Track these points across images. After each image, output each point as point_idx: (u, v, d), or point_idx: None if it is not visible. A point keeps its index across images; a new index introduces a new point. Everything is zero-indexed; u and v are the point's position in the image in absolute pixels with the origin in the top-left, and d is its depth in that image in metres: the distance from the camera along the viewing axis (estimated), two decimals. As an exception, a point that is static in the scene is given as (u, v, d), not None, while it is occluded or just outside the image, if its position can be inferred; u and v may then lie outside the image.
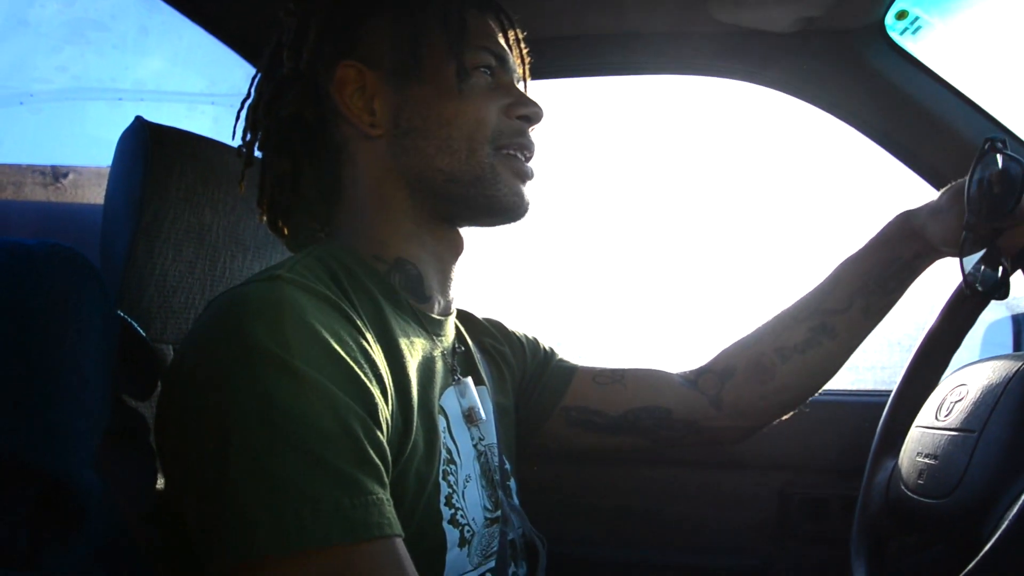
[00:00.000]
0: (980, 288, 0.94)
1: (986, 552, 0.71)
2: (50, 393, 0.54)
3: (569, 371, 1.19)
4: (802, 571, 1.44)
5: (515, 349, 1.18)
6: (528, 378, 1.17)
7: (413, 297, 0.92)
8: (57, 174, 1.30)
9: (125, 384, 0.74)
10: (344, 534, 0.60)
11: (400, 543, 0.65)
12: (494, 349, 1.15)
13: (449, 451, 0.86)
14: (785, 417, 1.17)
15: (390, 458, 0.70)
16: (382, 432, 0.69)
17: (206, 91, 1.30)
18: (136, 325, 0.79)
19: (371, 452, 0.66)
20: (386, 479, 0.67)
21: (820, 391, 1.15)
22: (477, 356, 1.07)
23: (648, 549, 1.50)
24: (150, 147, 1.01)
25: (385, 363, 0.77)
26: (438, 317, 0.95)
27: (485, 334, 1.17)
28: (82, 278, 0.64)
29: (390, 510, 0.64)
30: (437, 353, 0.92)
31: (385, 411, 0.72)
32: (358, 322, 0.75)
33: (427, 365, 0.88)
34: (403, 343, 0.84)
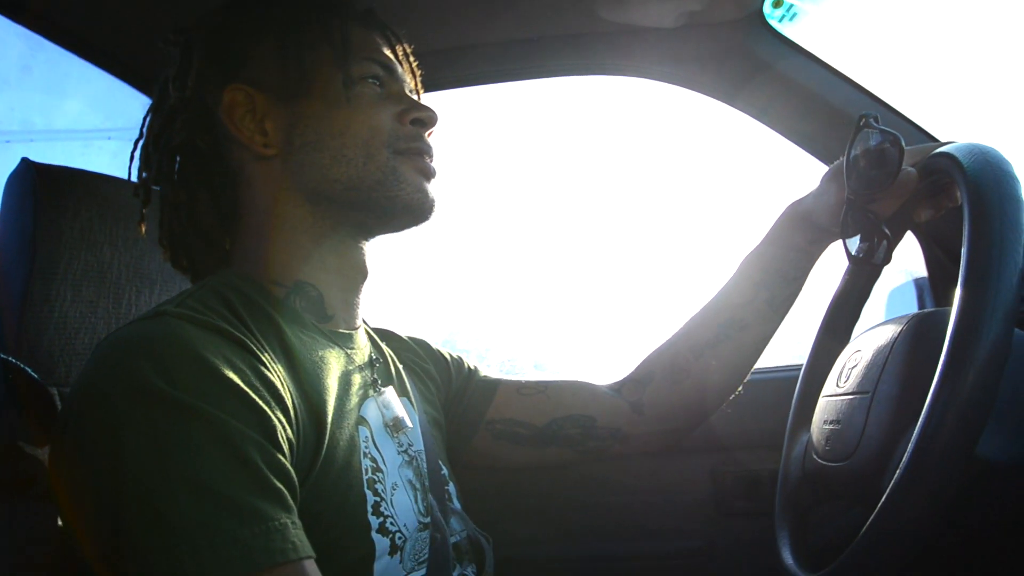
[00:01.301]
0: (863, 258, 0.99)
1: (880, 507, 0.75)
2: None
3: (492, 384, 1.20)
4: (741, 547, 1.47)
5: (439, 366, 1.19)
6: (453, 394, 1.18)
7: (315, 318, 0.91)
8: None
9: (21, 431, 0.72)
10: (245, 565, 0.59)
11: (310, 565, 0.65)
12: (417, 366, 1.16)
13: (374, 459, 0.86)
14: (708, 417, 1.20)
15: (296, 479, 0.69)
16: (284, 455, 0.69)
17: (101, 126, 1.27)
18: (28, 369, 0.77)
19: (271, 477, 0.65)
20: (291, 502, 0.66)
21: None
22: (400, 368, 1.07)
23: (595, 541, 1.51)
24: (37, 189, 0.99)
25: (289, 381, 0.77)
26: (345, 331, 0.95)
27: (408, 351, 1.17)
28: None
29: (296, 533, 0.64)
30: (352, 367, 0.92)
31: (287, 432, 0.71)
32: (253, 346, 0.74)
33: (343, 379, 0.88)
34: (311, 360, 0.84)
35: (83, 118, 1.25)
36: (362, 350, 0.97)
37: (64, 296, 0.99)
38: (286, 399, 0.73)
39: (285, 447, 0.69)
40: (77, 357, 1.01)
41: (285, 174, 0.91)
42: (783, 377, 1.55)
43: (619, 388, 1.21)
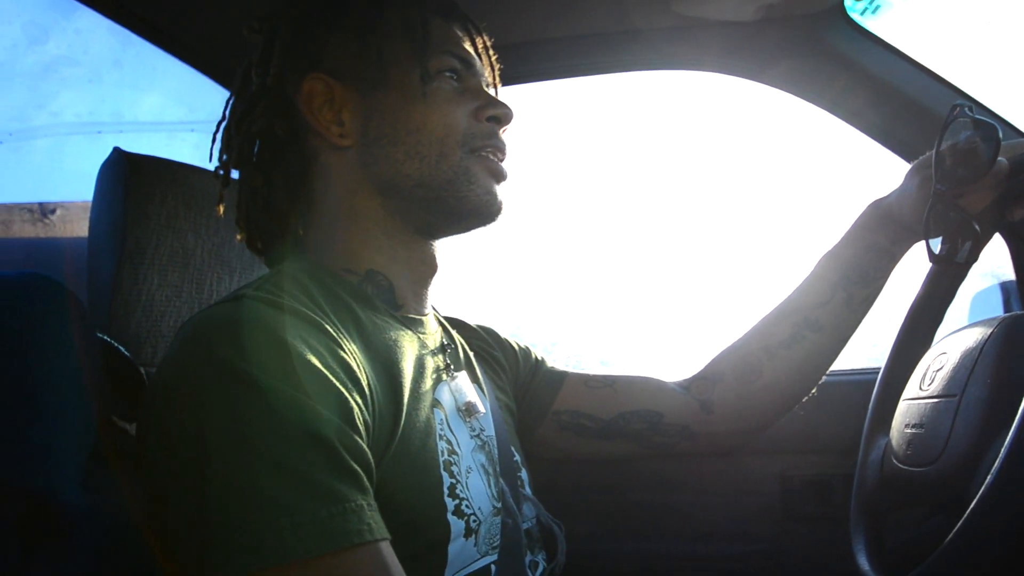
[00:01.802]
0: (947, 257, 0.95)
1: (969, 513, 0.72)
2: (31, 414, 0.56)
3: (559, 376, 1.20)
4: (809, 552, 1.43)
5: (508, 355, 1.19)
6: (521, 384, 1.18)
7: (386, 305, 0.92)
8: (44, 210, 1.32)
9: (114, 406, 0.76)
10: (324, 545, 0.60)
11: (385, 547, 0.66)
12: (487, 354, 1.16)
13: (449, 442, 0.86)
14: (779, 418, 1.17)
15: (372, 461, 0.70)
16: (361, 437, 0.70)
17: (185, 119, 1.32)
18: (121, 347, 0.80)
19: (348, 459, 0.66)
20: (367, 484, 0.67)
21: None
22: (471, 356, 1.08)
23: (659, 540, 1.50)
24: (128, 177, 1.03)
25: (366, 364, 0.78)
26: (417, 316, 0.96)
27: (477, 339, 1.18)
28: (59, 303, 0.65)
29: (371, 515, 0.65)
30: (426, 351, 0.93)
31: (365, 414, 0.72)
32: (330, 329, 0.75)
33: (417, 362, 0.89)
34: (385, 342, 0.85)
35: (168, 111, 1.30)
36: (433, 335, 0.98)
37: (151, 280, 1.03)
38: (362, 381, 0.74)
39: (362, 428, 0.70)
40: (162, 339, 1.05)
41: (359, 165, 0.92)
42: (856, 380, 1.51)
43: (688, 385, 1.20)
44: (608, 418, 1.17)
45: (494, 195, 0.94)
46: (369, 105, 0.92)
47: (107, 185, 1.05)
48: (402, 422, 0.79)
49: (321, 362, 0.70)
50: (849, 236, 1.11)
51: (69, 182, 1.29)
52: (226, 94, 1.02)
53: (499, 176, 0.95)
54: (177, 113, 1.31)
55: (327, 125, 0.92)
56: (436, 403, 0.89)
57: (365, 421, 0.72)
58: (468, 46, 0.99)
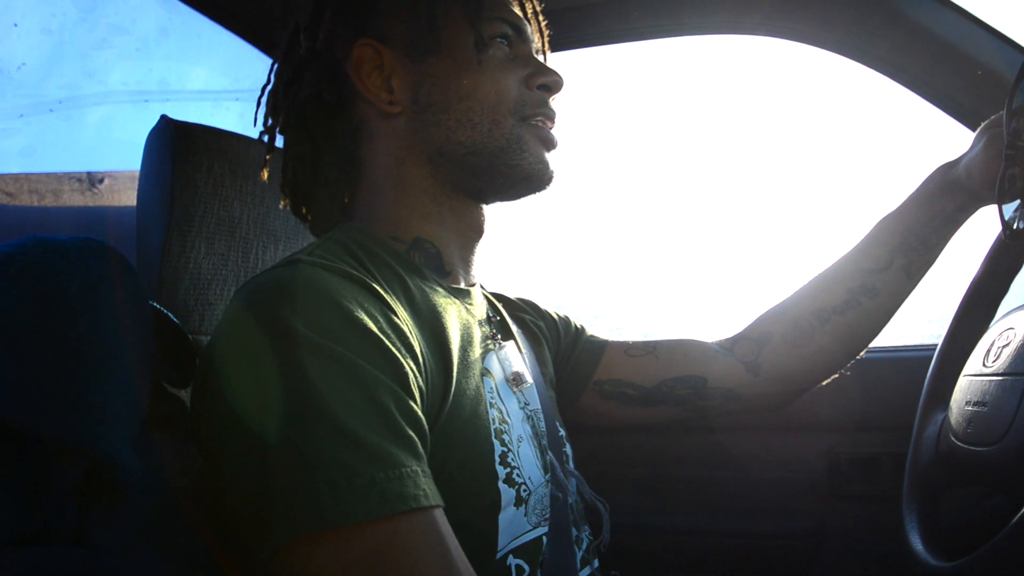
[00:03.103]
0: (1021, 228, 0.91)
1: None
2: (88, 377, 0.56)
3: (600, 345, 1.19)
4: (855, 531, 1.41)
5: (549, 325, 1.18)
6: (562, 354, 1.18)
7: (433, 273, 0.92)
8: (93, 180, 1.34)
9: (164, 372, 0.76)
10: (381, 508, 0.60)
11: (439, 514, 0.65)
12: (531, 323, 1.16)
13: (500, 411, 0.86)
14: (826, 381, 1.15)
15: (427, 427, 0.70)
16: (416, 402, 0.69)
17: (229, 88, 1.32)
18: (172, 316, 0.80)
19: (404, 424, 0.66)
20: (422, 450, 0.67)
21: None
22: (514, 328, 1.07)
23: (702, 515, 1.49)
24: (176, 145, 1.03)
25: (416, 330, 0.77)
26: (464, 287, 0.95)
27: (520, 310, 1.17)
28: (113, 268, 0.66)
29: (426, 481, 0.65)
30: (472, 320, 0.92)
31: (419, 380, 0.72)
32: (384, 295, 0.75)
33: (464, 330, 0.88)
34: (434, 309, 0.84)
35: (213, 80, 1.30)
36: (479, 306, 0.98)
37: (199, 248, 1.04)
38: (415, 347, 0.74)
39: (416, 395, 0.70)
40: (209, 307, 1.06)
41: (408, 132, 0.91)
42: (908, 357, 1.47)
43: (731, 346, 1.17)
44: (651, 385, 1.15)
45: (546, 163, 0.92)
46: (420, 71, 0.90)
47: (155, 153, 1.05)
48: (453, 389, 0.78)
49: (376, 327, 0.69)
50: (913, 201, 1.07)
51: (116, 151, 1.31)
52: (268, 63, 1.01)
53: (550, 144, 0.93)
54: (222, 82, 1.31)
55: (376, 92, 0.91)
56: (486, 371, 0.88)
57: (419, 387, 0.72)
58: (518, 10, 0.97)
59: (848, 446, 1.43)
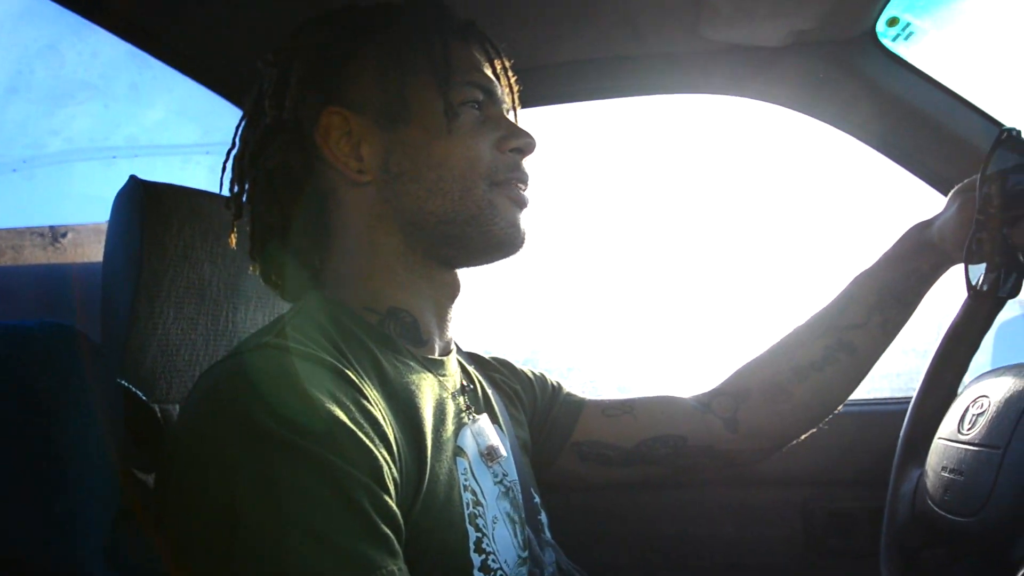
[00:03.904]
0: (988, 290, 0.92)
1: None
2: (57, 481, 0.53)
3: (577, 405, 1.17)
4: (832, 587, 1.41)
5: (524, 386, 1.17)
6: (538, 415, 1.16)
7: (410, 343, 0.90)
8: (56, 234, 1.30)
9: (132, 457, 0.73)
10: None
11: None
12: (506, 385, 1.14)
13: (474, 492, 0.84)
14: (804, 436, 1.15)
15: (402, 521, 0.68)
16: (390, 495, 0.67)
17: (200, 141, 1.30)
18: (140, 393, 0.77)
19: (379, 522, 0.64)
20: (397, 547, 0.65)
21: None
22: (490, 392, 1.05)
23: (675, 573, 1.47)
24: (145, 206, 1.00)
25: (389, 415, 0.76)
26: (439, 358, 0.94)
27: (494, 371, 1.15)
28: (83, 356, 0.63)
29: None
30: (447, 394, 0.90)
31: (392, 471, 0.70)
32: (354, 378, 0.73)
33: (438, 407, 0.86)
34: (407, 388, 0.82)
35: (183, 133, 1.27)
36: (453, 376, 0.96)
37: (167, 314, 1.01)
38: (389, 435, 0.72)
39: (391, 487, 0.68)
40: (177, 374, 1.02)
41: (379, 201, 0.89)
42: (880, 411, 1.48)
43: (708, 402, 1.16)
44: (630, 446, 1.14)
45: (518, 226, 0.91)
46: (390, 139, 0.89)
47: (123, 215, 1.02)
48: (427, 476, 0.76)
49: (348, 416, 0.67)
50: (889, 259, 1.09)
51: (81, 206, 1.27)
52: (240, 114, 0.99)
53: (521, 203, 0.92)
54: (192, 135, 1.29)
55: (345, 160, 0.89)
56: (459, 450, 0.86)
57: (393, 478, 0.70)
58: (488, 70, 0.96)
59: (823, 500, 1.43)
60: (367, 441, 0.67)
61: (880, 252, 1.10)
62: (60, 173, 1.12)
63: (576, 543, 1.04)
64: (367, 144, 0.89)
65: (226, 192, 0.98)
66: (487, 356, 1.18)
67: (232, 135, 1.01)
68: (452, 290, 0.94)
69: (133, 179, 1.03)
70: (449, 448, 0.84)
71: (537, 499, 1.01)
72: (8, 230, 1.20)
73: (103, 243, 1.10)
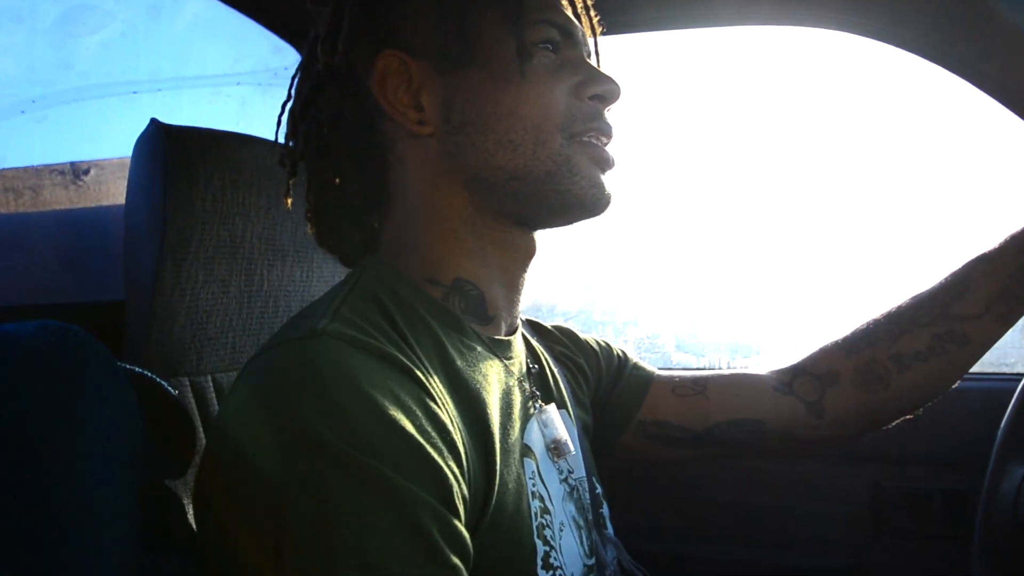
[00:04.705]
0: None
1: None
2: (64, 537, 0.44)
3: (645, 381, 1.07)
4: (897, 569, 1.33)
5: (589, 359, 1.07)
6: (603, 390, 1.06)
7: (475, 320, 0.80)
8: (77, 171, 1.20)
9: (157, 465, 0.65)
10: None
11: None
12: (569, 360, 1.04)
13: (541, 499, 0.76)
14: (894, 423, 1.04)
15: (471, 546, 0.60)
16: (459, 518, 0.60)
17: (230, 71, 1.17)
18: (165, 385, 0.68)
19: (447, 550, 0.56)
20: (465, 573, 0.58)
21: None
22: (554, 369, 0.96)
23: (731, 544, 1.40)
24: (168, 155, 0.89)
25: (457, 417, 0.67)
26: (505, 338, 0.84)
27: (556, 343, 1.06)
28: (91, 370, 0.53)
29: None
30: (512, 381, 0.81)
31: (462, 486, 0.62)
32: (420, 375, 0.64)
33: (504, 399, 0.78)
34: (474, 379, 0.73)
35: (210, 63, 1.15)
36: (519, 357, 0.86)
37: (196, 277, 0.91)
38: (457, 443, 0.64)
39: (460, 507, 0.60)
40: (209, 342, 0.93)
41: (441, 156, 0.78)
42: (967, 388, 1.36)
43: (790, 382, 1.06)
44: (702, 429, 1.05)
45: (601, 186, 0.79)
46: (452, 85, 0.76)
47: (143, 165, 0.91)
48: (496, 487, 0.68)
49: (415, 426, 0.58)
50: (1017, 243, 0.94)
51: (102, 144, 1.16)
52: (276, 41, 0.87)
53: (605, 164, 0.80)
54: (221, 65, 1.16)
55: (404, 110, 0.77)
56: (526, 450, 0.77)
57: (463, 496, 0.61)
58: (567, 7, 0.82)
59: (896, 479, 1.33)
60: (435, 455, 0.59)
61: (1004, 234, 0.95)
62: (75, 112, 1.01)
63: (623, 503, 0.97)
64: (427, 91, 0.77)
65: (264, 130, 0.87)
66: (549, 326, 1.08)
67: (265, 62, 0.89)
68: (525, 255, 0.83)
69: (154, 123, 0.91)
70: (516, 449, 0.76)
71: (599, 489, 0.93)
72: (25, 169, 1.10)
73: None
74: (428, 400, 0.63)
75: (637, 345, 1.50)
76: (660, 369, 1.12)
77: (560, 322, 1.11)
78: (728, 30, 1.25)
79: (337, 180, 0.83)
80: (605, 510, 0.92)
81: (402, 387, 0.61)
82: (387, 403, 0.58)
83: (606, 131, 0.80)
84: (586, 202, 0.79)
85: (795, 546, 1.37)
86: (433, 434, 0.60)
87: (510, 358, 0.83)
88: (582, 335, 1.10)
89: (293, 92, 0.85)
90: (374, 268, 0.79)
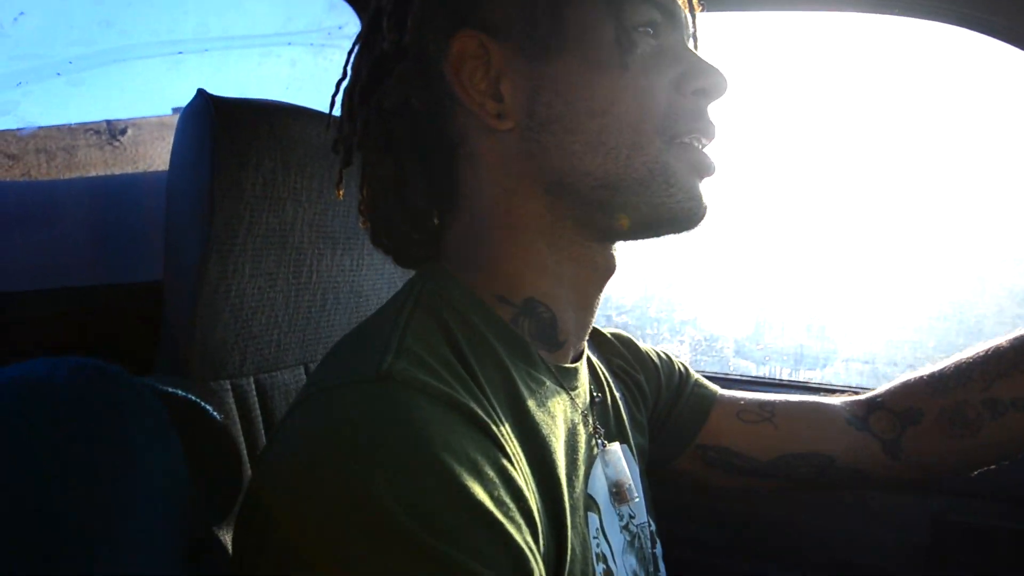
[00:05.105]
0: None
1: None
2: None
3: (707, 401, 1.00)
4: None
5: (649, 374, 0.99)
6: (661, 408, 0.99)
7: (544, 346, 0.72)
8: (114, 131, 1.12)
9: (200, 510, 0.58)
10: None
11: None
12: (627, 376, 0.96)
13: (605, 559, 0.69)
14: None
15: None
16: None
17: (281, 30, 1.07)
18: (211, 410, 0.61)
19: None
20: None
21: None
22: (616, 394, 0.88)
23: (775, 564, 1.34)
24: (217, 132, 0.80)
25: (528, 474, 0.60)
26: (572, 366, 0.76)
27: (615, 354, 0.98)
28: (134, 414, 0.46)
29: None
30: (577, 416, 0.74)
31: (537, 561, 0.55)
32: (494, 428, 0.57)
33: (570, 440, 0.70)
34: (543, 423, 0.66)
35: (259, 21, 1.04)
36: (584, 386, 0.79)
37: (242, 269, 0.83)
38: (533, 511, 0.57)
39: None
40: (253, 341, 0.86)
41: (521, 156, 0.68)
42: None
43: (865, 416, 0.98)
44: (766, 460, 0.98)
45: (699, 199, 0.70)
46: (538, 74, 0.66)
47: (188, 143, 0.82)
48: (567, 554, 0.61)
49: (491, 496, 0.51)
50: None
51: (143, 101, 1.07)
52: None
53: (705, 171, 0.70)
54: (271, 24, 1.06)
55: (481, 99, 0.67)
56: (590, 503, 0.70)
57: (539, 571, 0.54)
58: None
59: (960, 513, 1.25)
60: (512, 530, 0.52)
61: None
62: (115, 74, 0.92)
63: (665, 515, 0.90)
64: (509, 80, 0.67)
65: (316, 101, 0.77)
66: (608, 334, 1.00)
67: (318, 20, 0.80)
68: (603, 274, 0.74)
69: (201, 95, 0.82)
70: (581, 503, 0.69)
71: (654, 526, 0.86)
72: (59, 128, 1.01)
73: (169, 140, 0.91)
74: (504, 460, 0.56)
75: (693, 347, 1.41)
76: (719, 375, 1.05)
77: (614, 316, 1.03)
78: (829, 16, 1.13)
79: (398, 175, 0.74)
80: (659, 549, 0.86)
81: (478, 448, 0.54)
82: (461, 472, 0.50)
83: (708, 133, 0.70)
84: (680, 217, 0.69)
85: (844, 569, 1.30)
86: (509, 503, 0.53)
87: (575, 388, 0.76)
88: (642, 346, 1.02)
89: (350, 70, 0.75)
90: (438, 278, 0.71)
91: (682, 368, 1.04)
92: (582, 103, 0.66)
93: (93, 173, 1.08)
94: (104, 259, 1.00)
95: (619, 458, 0.78)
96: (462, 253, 0.73)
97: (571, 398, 0.74)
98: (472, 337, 0.66)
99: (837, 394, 1.04)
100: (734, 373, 1.39)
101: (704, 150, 0.71)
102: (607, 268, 0.75)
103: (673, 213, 0.69)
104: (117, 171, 1.12)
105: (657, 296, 1.43)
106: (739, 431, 0.98)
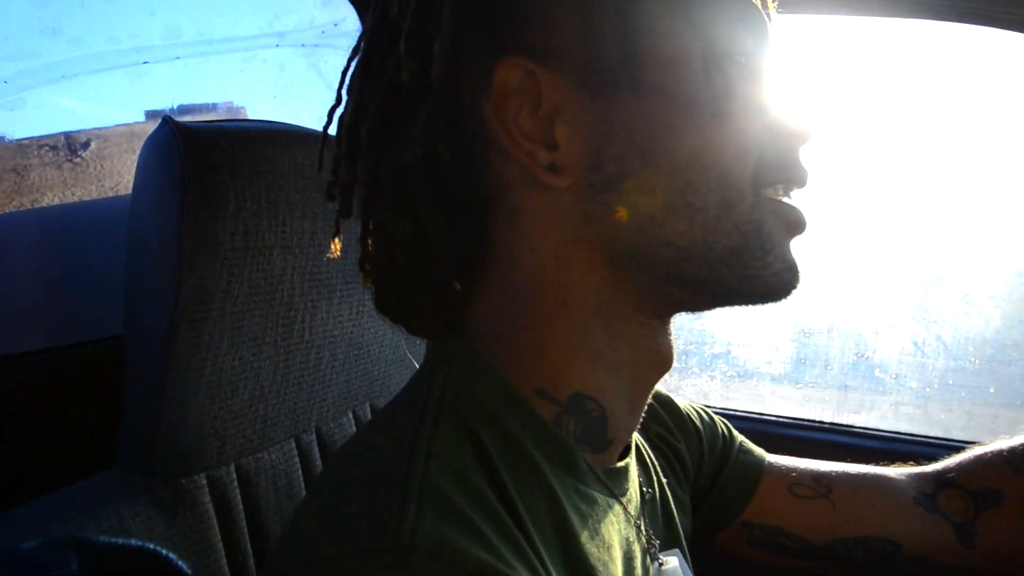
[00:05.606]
0: None
1: None
2: None
3: (755, 472, 0.86)
4: None
5: (690, 442, 0.86)
6: (704, 479, 0.86)
7: (590, 448, 0.58)
8: (73, 145, 0.97)
9: None
10: None
11: None
12: (667, 446, 0.83)
13: None
14: None
15: None
16: None
17: (267, 30, 0.92)
18: (181, 565, 0.47)
19: None
20: None
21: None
22: (664, 481, 0.75)
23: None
24: (185, 172, 0.65)
25: None
26: (620, 465, 0.62)
27: (655, 420, 0.84)
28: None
29: None
30: (631, 531, 0.61)
31: None
32: None
33: (626, 564, 0.58)
34: (599, 559, 0.53)
35: (243, 20, 0.88)
36: (634, 485, 0.65)
37: (220, 340, 0.68)
38: None
39: None
40: (233, 423, 0.72)
41: (580, 219, 0.53)
42: None
43: (933, 494, 0.85)
44: (820, 543, 0.85)
45: (794, 266, 0.56)
46: (605, 117, 0.51)
47: (153, 184, 0.67)
48: None
49: None
50: None
51: (107, 112, 0.92)
52: None
53: (797, 229, 0.57)
54: (255, 24, 0.90)
55: (529, 147, 0.52)
56: None
57: None
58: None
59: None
60: None
61: None
62: (68, 90, 0.76)
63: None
64: (565, 122, 0.52)
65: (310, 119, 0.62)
66: None
67: (310, 17, 0.65)
68: (663, 362, 0.60)
69: (167, 125, 0.67)
70: None
71: None
72: (5, 145, 0.86)
73: (138, 153, 0.76)
74: None
75: (725, 383, 1.28)
76: (752, 415, 0.91)
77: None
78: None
79: (416, 237, 0.58)
80: None
81: None
82: None
83: (801, 181, 0.56)
84: (775, 291, 0.56)
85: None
86: None
87: (626, 492, 0.62)
88: (682, 406, 0.89)
89: (346, 94, 0.59)
90: (463, 369, 0.56)
91: (725, 431, 0.91)
92: (663, 154, 0.51)
93: (48, 197, 0.93)
94: (61, 312, 0.84)
95: (676, 571, 0.65)
96: (493, 332, 0.58)
97: (623, 507, 0.61)
98: (509, 451, 0.52)
99: (887, 441, 0.92)
100: (769, 414, 1.25)
101: (797, 208, 0.57)
102: (667, 356, 0.60)
103: (769, 287, 0.55)
104: (79, 192, 0.97)
105: (686, 327, 1.30)
106: (791, 508, 0.86)
